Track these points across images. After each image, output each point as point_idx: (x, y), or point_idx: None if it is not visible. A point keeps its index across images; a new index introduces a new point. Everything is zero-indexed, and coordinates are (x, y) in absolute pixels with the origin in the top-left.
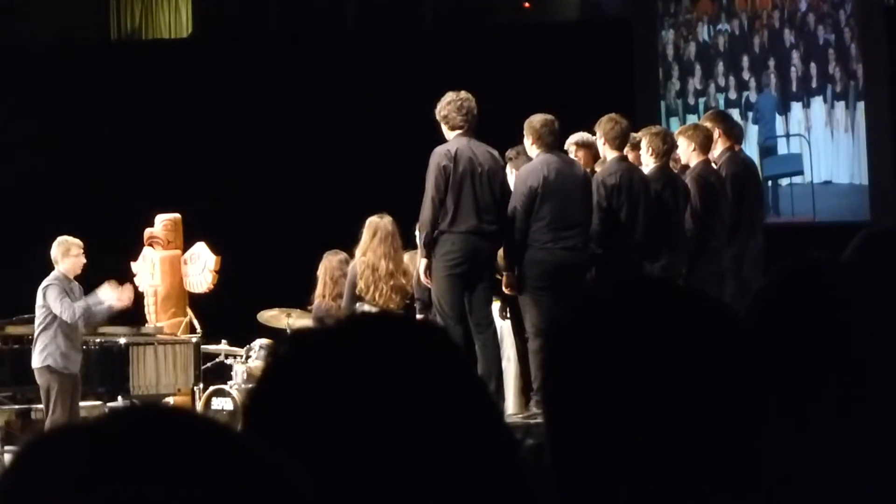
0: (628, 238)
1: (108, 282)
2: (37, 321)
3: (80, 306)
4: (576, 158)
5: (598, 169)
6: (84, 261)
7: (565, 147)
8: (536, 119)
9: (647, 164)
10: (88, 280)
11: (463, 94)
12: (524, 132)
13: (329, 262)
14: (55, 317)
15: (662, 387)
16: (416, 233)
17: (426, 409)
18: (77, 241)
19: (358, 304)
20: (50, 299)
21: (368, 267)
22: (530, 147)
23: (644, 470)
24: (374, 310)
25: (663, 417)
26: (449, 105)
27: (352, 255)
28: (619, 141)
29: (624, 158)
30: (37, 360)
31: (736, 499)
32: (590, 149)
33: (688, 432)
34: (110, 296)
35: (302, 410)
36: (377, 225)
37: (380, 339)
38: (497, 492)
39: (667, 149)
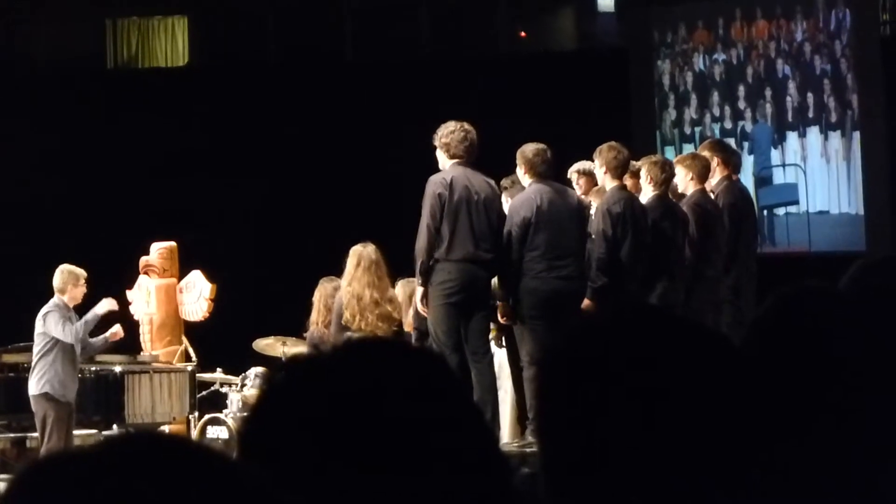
0: (633, 267)
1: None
2: (35, 348)
3: (79, 325)
4: (578, 186)
5: (592, 197)
6: (85, 291)
7: (568, 175)
8: (528, 148)
9: (646, 192)
10: (85, 309)
11: (466, 125)
12: (517, 161)
13: (324, 289)
14: (54, 344)
15: (657, 415)
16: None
17: (421, 436)
18: (81, 270)
19: (345, 334)
20: (51, 325)
21: (354, 296)
22: (522, 176)
23: (639, 499)
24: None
25: (658, 446)
26: (452, 134)
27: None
28: (621, 170)
29: (624, 187)
30: (34, 388)
31: None
32: (591, 177)
33: (683, 461)
34: (102, 306)
35: (297, 437)
36: (360, 254)
37: (374, 364)
38: None
39: (665, 178)
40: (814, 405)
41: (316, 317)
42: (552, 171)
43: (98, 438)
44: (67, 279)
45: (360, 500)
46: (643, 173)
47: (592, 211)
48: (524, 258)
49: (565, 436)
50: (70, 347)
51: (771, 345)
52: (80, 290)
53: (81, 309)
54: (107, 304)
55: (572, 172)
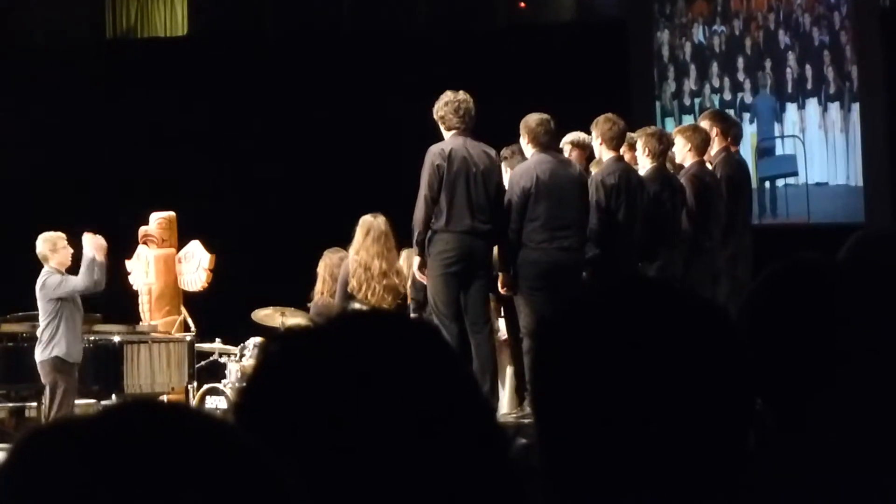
0: (626, 238)
1: (85, 235)
2: (41, 317)
3: (92, 273)
4: (570, 158)
5: (592, 169)
6: (71, 251)
7: (560, 146)
8: (532, 118)
9: (644, 164)
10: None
11: (461, 94)
12: (520, 131)
13: (329, 260)
14: (58, 310)
15: (651, 386)
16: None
17: (416, 407)
18: (59, 233)
19: (350, 303)
20: (53, 286)
21: (361, 266)
22: (526, 146)
23: (633, 469)
24: (365, 308)
25: (652, 417)
26: (446, 106)
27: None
28: (617, 141)
29: (620, 158)
30: (44, 353)
31: (725, 498)
32: (584, 149)
33: (676, 432)
34: (90, 246)
35: (292, 408)
36: (370, 224)
37: (371, 336)
38: (487, 490)
39: (663, 149)
40: (809, 376)
41: (321, 287)
42: (555, 142)
43: (97, 408)
44: (45, 246)
45: (355, 472)
46: (639, 145)
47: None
48: (524, 229)
49: (559, 407)
50: (74, 311)
51: (766, 317)
52: (64, 252)
53: (70, 272)
54: (88, 242)
55: (564, 144)
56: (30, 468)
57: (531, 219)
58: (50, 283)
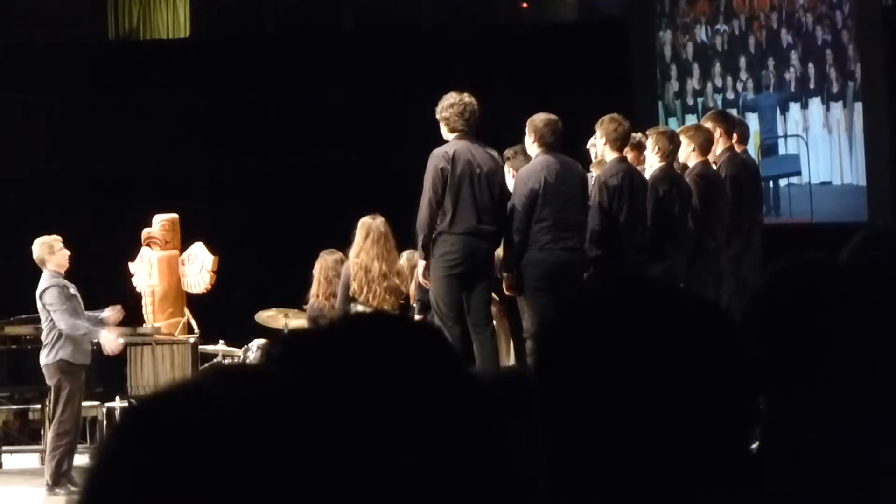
0: (628, 239)
1: (112, 309)
2: (43, 321)
3: (82, 326)
4: (594, 158)
5: (593, 168)
6: (68, 253)
7: (587, 147)
8: (539, 118)
9: (653, 163)
10: (86, 285)
11: (466, 97)
12: (526, 130)
13: (324, 262)
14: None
15: (654, 387)
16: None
17: (420, 409)
18: (54, 236)
19: (352, 305)
20: (48, 301)
21: (361, 268)
22: (531, 146)
23: (637, 471)
24: (368, 310)
25: (654, 417)
26: (451, 108)
27: (347, 256)
28: (621, 142)
29: (623, 159)
30: (48, 357)
31: (729, 498)
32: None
33: (680, 432)
34: (107, 337)
35: (293, 409)
36: (369, 226)
37: (374, 339)
38: (491, 492)
39: (673, 149)
40: (813, 376)
41: (316, 289)
42: (560, 143)
43: (100, 411)
44: (41, 249)
45: (357, 475)
46: (650, 144)
47: (591, 182)
48: (531, 230)
49: (561, 408)
50: (74, 311)
51: (770, 316)
52: (61, 256)
53: (80, 278)
54: (108, 340)
55: (591, 146)
56: (145, 438)
57: (538, 220)
58: (47, 297)
